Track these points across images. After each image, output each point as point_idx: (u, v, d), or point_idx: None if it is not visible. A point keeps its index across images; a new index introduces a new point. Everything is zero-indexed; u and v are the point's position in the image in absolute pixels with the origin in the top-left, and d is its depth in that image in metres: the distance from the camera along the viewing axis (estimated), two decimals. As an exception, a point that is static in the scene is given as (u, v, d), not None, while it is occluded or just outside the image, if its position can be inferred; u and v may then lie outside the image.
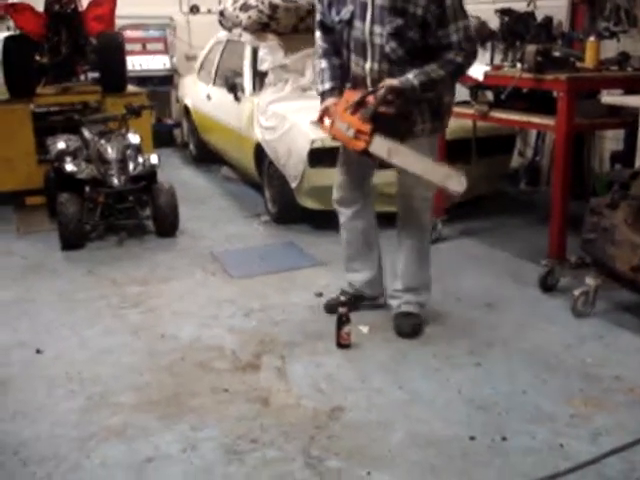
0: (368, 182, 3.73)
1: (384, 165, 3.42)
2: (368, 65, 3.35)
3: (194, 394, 3.13)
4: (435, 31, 3.23)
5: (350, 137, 3.36)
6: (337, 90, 3.48)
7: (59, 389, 3.21)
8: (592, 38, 4.30)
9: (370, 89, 3.33)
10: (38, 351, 3.57)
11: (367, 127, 3.30)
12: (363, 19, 3.29)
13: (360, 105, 3.31)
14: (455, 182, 3.28)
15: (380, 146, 3.34)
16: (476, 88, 4.80)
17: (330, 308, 3.84)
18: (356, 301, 3.83)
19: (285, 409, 3.00)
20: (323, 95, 3.52)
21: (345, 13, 3.34)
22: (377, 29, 3.27)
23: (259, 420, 2.91)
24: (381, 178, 3.71)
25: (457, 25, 3.23)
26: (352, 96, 3.38)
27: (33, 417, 2.99)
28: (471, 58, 3.33)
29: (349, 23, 3.35)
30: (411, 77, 3.25)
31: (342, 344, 3.51)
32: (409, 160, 3.32)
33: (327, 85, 3.50)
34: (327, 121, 3.51)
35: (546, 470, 2.55)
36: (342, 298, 3.76)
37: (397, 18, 3.22)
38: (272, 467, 2.61)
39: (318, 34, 3.58)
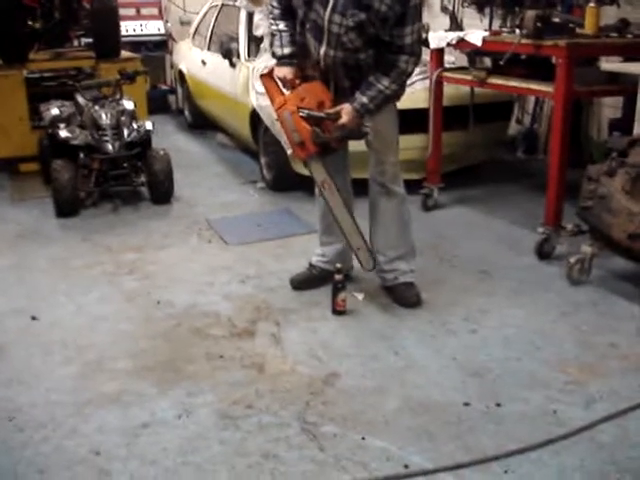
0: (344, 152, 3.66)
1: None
2: (323, 50, 3.27)
3: (190, 360, 3.14)
4: (391, 29, 3.18)
5: (294, 140, 3.34)
6: (295, 57, 3.37)
7: (55, 355, 3.21)
8: (592, 4, 4.24)
9: (328, 112, 3.26)
10: (33, 318, 3.57)
11: (313, 148, 3.32)
12: (324, 6, 3.18)
13: (315, 121, 3.27)
14: (363, 257, 3.47)
15: (318, 170, 3.41)
16: (474, 54, 4.76)
17: (296, 284, 3.82)
18: (324, 279, 3.75)
19: (280, 375, 3.01)
20: (281, 59, 3.39)
21: None
22: (337, 19, 3.17)
23: (254, 386, 2.92)
24: (354, 146, 3.69)
25: (413, 28, 3.19)
26: (310, 93, 3.31)
27: (29, 383, 2.99)
28: (418, 62, 3.34)
29: (308, 4, 3.23)
30: (366, 101, 3.24)
31: (337, 311, 3.51)
32: (336, 205, 3.42)
33: (286, 50, 3.37)
34: (285, 91, 3.43)
35: (540, 436, 2.57)
36: (314, 271, 3.82)
37: (360, 12, 3.13)
38: (267, 432, 2.63)
39: None
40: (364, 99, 3.25)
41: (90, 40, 6.75)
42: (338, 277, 3.48)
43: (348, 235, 3.46)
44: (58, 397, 2.88)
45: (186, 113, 8.42)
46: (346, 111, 3.24)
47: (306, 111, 3.27)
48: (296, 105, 3.29)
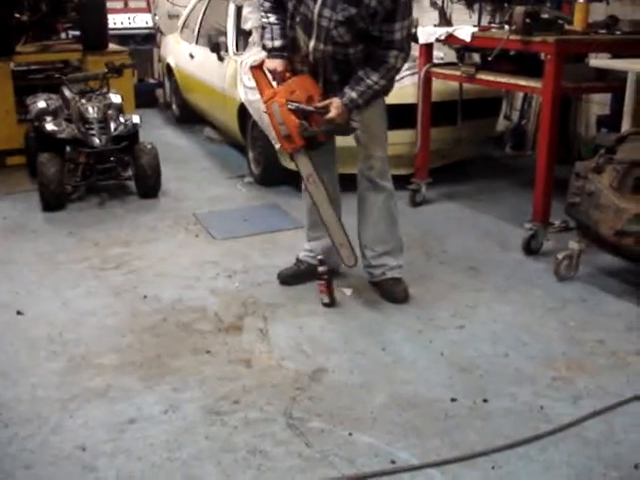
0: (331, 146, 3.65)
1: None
2: (312, 44, 3.27)
3: (176, 355, 3.12)
4: (380, 24, 3.18)
5: (281, 133, 3.33)
6: (286, 50, 3.36)
7: (41, 351, 3.19)
8: (581, 0, 4.25)
9: (317, 106, 3.26)
10: (19, 312, 3.54)
11: (300, 142, 3.32)
12: (314, 0, 3.18)
13: (303, 114, 3.27)
14: (345, 254, 3.47)
15: (304, 164, 3.41)
16: (463, 50, 4.75)
17: (283, 279, 3.81)
18: (311, 274, 3.72)
19: (267, 370, 3.00)
20: (271, 51, 3.37)
21: None
22: (326, 13, 3.16)
23: (241, 381, 2.91)
24: (342, 141, 3.69)
25: (403, 24, 3.19)
26: (300, 87, 3.31)
27: (14, 379, 2.97)
28: (407, 58, 3.34)
29: None
30: (355, 96, 3.24)
31: (324, 301, 3.53)
32: (320, 200, 3.42)
33: (277, 43, 3.35)
34: (275, 84, 3.42)
35: (526, 432, 2.57)
36: (301, 266, 3.82)
37: (350, 7, 3.12)
38: (254, 428, 2.61)
39: None
40: (353, 94, 3.24)
41: (77, 33, 6.71)
42: (321, 269, 3.48)
43: (331, 231, 3.46)
44: (44, 392, 2.86)
45: (174, 107, 8.39)
46: (335, 105, 3.23)
47: (295, 104, 3.26)
48: (285, 98, 3.28)
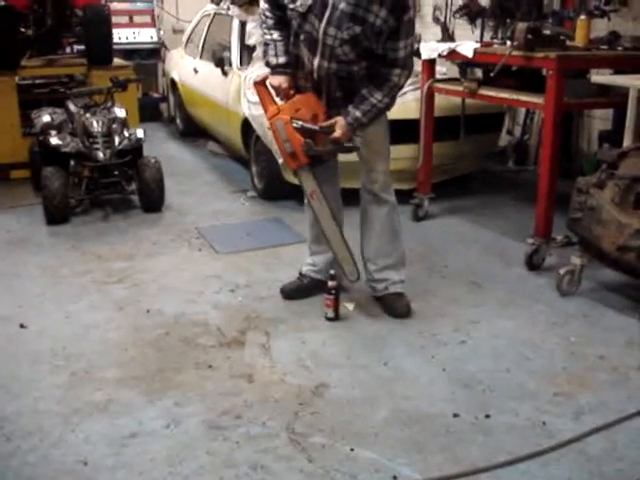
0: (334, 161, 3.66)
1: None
2: (317, 62, 3.28)
3: (178, 370, 3.13)
4: (385, 42, 3.21)
5: (285, 150, 3.34)
6: (289, 67, 3.36)
7: (43, 364, 3.19)
8: (583, 17, 4.28)
9: (322, 126, 3.28)
10: (22, 326, 3.55)
11: (304, 159, 3.33)
12: (320, 18, 3.19)
13: (308, 133, 3.28)
14: (348, 269, 3.50)
15: (308, 181, 3.42)
16: (465, 65, 4.78)
17: (286, 293, 3.82)
18: (314, 288, 3.77)
19: (269, 385, 3.00)
20: (275, 68, 3.37)
21: (302, 5, 3.21)
22: (332, 31, 3.18)
23: (243, 396, 2.91)
24: (345, 156, 3.70)
25: (406, 42, 3.22)
26: (305, 105, 3.32)
27: (17, 392, 2.97)
28: (410, 75, 3.37)
29: (303, 16, 3.23)
30: (360, 115, 3.26)
31: (328, 314, 3.53)
32: (324, 216, 3.44)
33: (281, 59, 3.35)
34: (277, 100, 3.43)
35: (528, 447, 2.56)
36: (305, 281, 3.83)
37: (355, 25, 3.15)
38: (256, 443, 2.61)
39: (266, 6, 3.41)
40: (357, 113, 3.26)
41: (82, 47, 6.75)
42: (331, 284, 3.48)
43: (334, 246, 3.48)
44: (46, 406, 2.86)
45: (178, 121, 8.42)
46: (340, 125, 3.25)
47: (300, 123, 3.27)
48: (290, 115, 3.29)
